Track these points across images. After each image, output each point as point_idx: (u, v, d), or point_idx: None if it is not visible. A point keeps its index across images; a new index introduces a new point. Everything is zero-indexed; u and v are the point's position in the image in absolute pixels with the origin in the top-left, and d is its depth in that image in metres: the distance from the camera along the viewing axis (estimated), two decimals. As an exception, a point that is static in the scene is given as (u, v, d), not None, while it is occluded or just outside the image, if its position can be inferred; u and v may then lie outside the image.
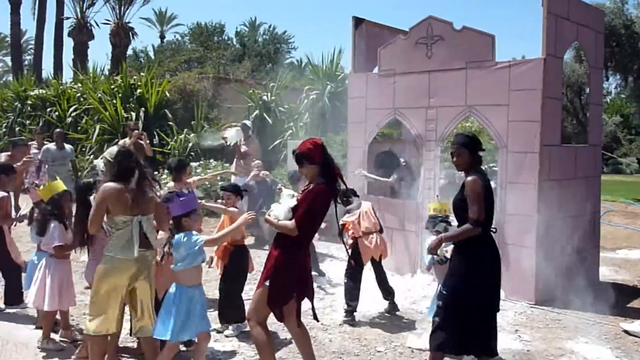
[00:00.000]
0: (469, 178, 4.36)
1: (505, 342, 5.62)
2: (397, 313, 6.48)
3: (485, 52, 7.20)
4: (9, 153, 8.95)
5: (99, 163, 5.46)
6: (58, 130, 11.40)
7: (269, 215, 4.47)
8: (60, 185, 5.37)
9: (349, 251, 6.06)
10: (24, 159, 8.28)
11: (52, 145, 10.64)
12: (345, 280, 6.34)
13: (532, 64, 6.86)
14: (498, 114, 7.06)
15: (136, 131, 10.91)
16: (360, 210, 6.38)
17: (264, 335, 4.40)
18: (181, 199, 4.43)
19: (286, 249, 4.36)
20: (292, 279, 4.35)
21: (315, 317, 4.65)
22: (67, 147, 10.95)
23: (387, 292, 6.52)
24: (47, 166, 10.58)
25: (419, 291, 7.26)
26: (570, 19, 7.25)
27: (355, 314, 6.22)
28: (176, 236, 4.35)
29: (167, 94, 16.35)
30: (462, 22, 7.51)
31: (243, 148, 10.62)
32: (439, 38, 7.60)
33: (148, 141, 11.23)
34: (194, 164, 13.44)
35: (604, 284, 7.91)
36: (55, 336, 5.37)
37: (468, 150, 4.46)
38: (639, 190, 21.07)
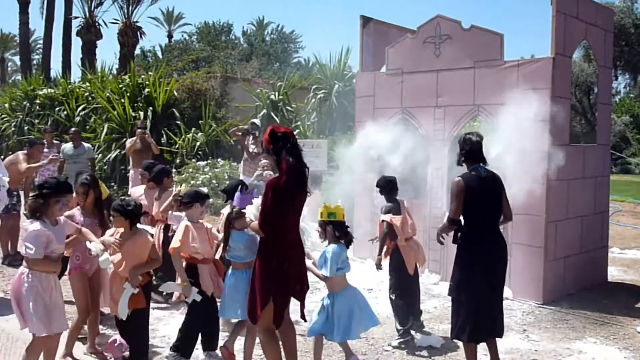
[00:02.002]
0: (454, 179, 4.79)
1: (513, 341, 5.63)
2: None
3: (493, 51, 7.19)
4: (25, 152, 9.05)
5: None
6: (74, 129, 11.50)
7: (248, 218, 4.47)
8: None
9: (387, 260, 5.63)
10: (50, 157, 9.03)
11: (68, 144, 10.73)
12: (394, 299, 5.57)
13: (541, 63, 6.83)
14: (506, 113, 7.04)
15: (139, 130, 11.07)
16: (404, 209, 5.69)
17: (274, 340, 4.39)
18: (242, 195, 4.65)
19: (261, 251, 4.31)
20: (267, 281, 4.23)
21: (303, 317, 4.53)
22: (85, 145, 11.05)
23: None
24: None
25: (427, 290, 7.25)
26: (580, 18, 7.22)
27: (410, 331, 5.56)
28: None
29: (175, 93, 16.37)
30: (471, 21, 7.52)
31: (251, 148, 10.63)
32: (447, 37, 7.59)
33: (152, 139, 11.33)
34: (201, 163, 13.48)
35: (612, 284, 7.88)
36: None
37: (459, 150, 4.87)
38: (647, 190, 20.92)
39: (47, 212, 4.37)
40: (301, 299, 4.45)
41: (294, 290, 4.37)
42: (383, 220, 5.57)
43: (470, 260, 4.69)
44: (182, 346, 4.94)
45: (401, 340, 5.47)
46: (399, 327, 5.51)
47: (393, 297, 5.59)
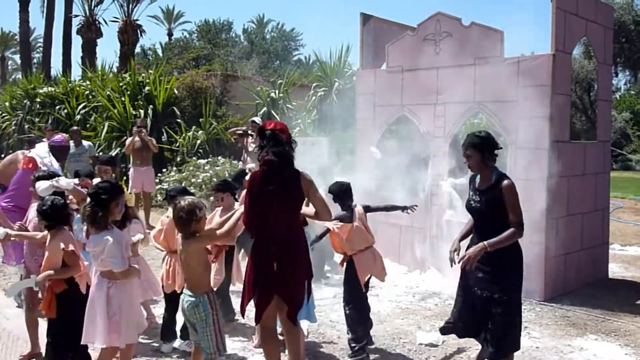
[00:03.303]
0: (506, 182, 4.29)
1: (514, 338, 5.63)
2: (406, 310, 6.49)
3: (493, 48, 7.18)
4: (25, 151, 9.04)
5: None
6: (75, 127, 11.53)
7: None
8: None
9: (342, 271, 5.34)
10: None
11: (69, 143, 10.75)
12: (347, 312, 5.16)
13: (541, 59, 6.83)
14: (507, 110, 7.04)
15: (135, 128, 11.13)
16: (356, 217, 5.21)
17: (267, 340, 4.41)
18: None
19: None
20: (247, 280, 4.33)
21: (290, 318, 4.32)
22: (85, 143, 11.08)
23: None
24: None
25: (428, 288, 7.26)
26: (579, 15, 7.21)
27: (366, 348, 5.11)
28: None
29: (175, 91, 16.38)
30: (471, 18, 7.51)
31: (252, 147, 10.64)
32: (447, 34, 7.58)
33: (149, 137, 11.37)
34: (202, 161, 13.48)
35: (613, 281, 7.88)
36: None
37: (478, 151, 4.35)
38: (648, 187, 20.93)
39: (109, 219, 4.12)
40: (287, 300, 4.27)
41: (266, 290, 4.24)
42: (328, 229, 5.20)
43: (521, 265, 4.52)
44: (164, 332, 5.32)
45: (355, 357, 5.00)
46: (354, 344, 5.03)
47: (347, 311, 5.16)
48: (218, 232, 4.26)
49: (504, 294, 4.29)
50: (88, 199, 4.20)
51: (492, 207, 4.32)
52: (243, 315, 4.54)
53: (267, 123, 4.44)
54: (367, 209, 5.39)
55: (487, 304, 4.32)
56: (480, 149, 4.35)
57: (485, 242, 4.27)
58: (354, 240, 5.13)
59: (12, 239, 4.92)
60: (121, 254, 4.06)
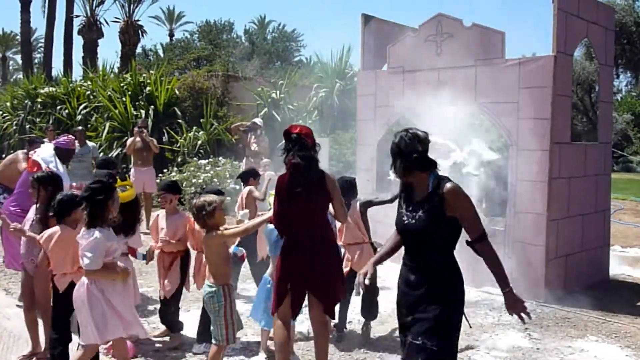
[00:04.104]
0: (449, 186, 3.26)
1: (515, 340, 5.63)
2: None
3: (495, 49, 7.18)
4: (25, 151, 9.04)
5: None
6: (80, 128, 11.52)
7: None
8: None
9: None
10: None
11: None
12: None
13: (543, 61, 6.83)
14: (508, 111, 7.04)
15: (136, 129, 11.13)
16: (353, 213, 5.53)
17: (280, 333, 4.44)
18: None
19: None
20: (277, 283, 4.49)
21: (293, 314, 4.57)
22: (90, 144, 11.08)
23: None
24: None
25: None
26: (581, 16, 7.21)
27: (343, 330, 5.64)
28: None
29: (177, 92, 16.38)
30: (472, 19, 7.51)
31: (253, 146, 10.64)
32: (449, 35, 7.59)
33: (150, 137, 11.37)
34: (203, 162, 13.49)
35: (614, 282, 7.88)
36: None
37: (394, 156, 3.41)
38: (649, 189, 20.91)
39: (105, 217, 4.10)
40: (323, 296, 4.42)
41: (298, 288, 4.43)
42: None
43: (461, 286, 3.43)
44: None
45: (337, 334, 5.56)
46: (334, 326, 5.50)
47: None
48: (229, 231, 4.43)
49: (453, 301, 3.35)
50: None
51: (433, 222, 3.28)
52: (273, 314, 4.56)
53: (292, 127, 4.52)
54: (370, 203, 5.65)
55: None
56: (394, 155, 3.41)
57: (507, 286, 3.29)
58: (345, 234, 5.56)
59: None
60: (99, 253, 3.99)
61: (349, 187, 5.51)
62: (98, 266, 4.03)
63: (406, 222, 3.38)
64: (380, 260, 3.62)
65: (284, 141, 4.47)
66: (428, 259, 3.33)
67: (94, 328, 4.04)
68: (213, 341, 4.44)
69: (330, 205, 4.49)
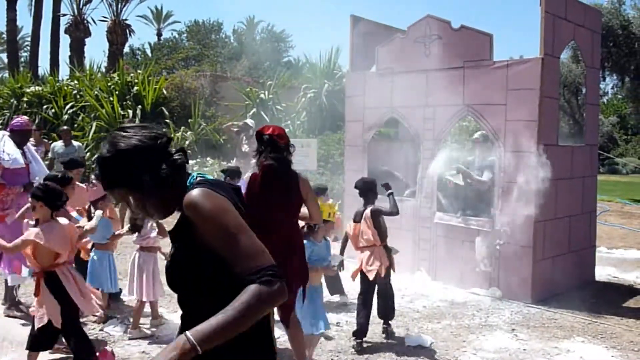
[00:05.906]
0: (191, 199, 2.02)
1: (501, 341, 5.65)
2: (395, 311, 6.48)
3: (483, 52, 7.21)
4: None
5: None
6: (65, 127, 11.43)
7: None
8: None
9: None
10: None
11: (59, 143, 10.67)
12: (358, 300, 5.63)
13: (530, 63, 6.86)
14: (495, 113, 7.06)
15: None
16: (364, 217, 5.56)
17: (291, 331, 4.44)
18: None
19: None
20: None
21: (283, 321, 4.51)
22: (76, 144, 10.99)
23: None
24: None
25: (417, 290, 7.26)
26: (568, 19, 7.26)
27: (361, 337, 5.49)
28: None
29: (164, 92, 16.33)
30: (460, 21, 7.53)
31: (244, 147, 10.61)
32: (437, 37, 7.61)
33: None
34: (191, 162, 13.44)
35: (600, 284, 7.93)
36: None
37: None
38: (635, 190, 21.13)
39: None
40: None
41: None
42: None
43: None
44: None
45: (355, 343, 5.39)
46: (354, 332, 5.46)
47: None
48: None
49: None
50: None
51: (190, 259, 2.07)
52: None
53: (265, 127, 4.41)
54: (379, 212, 5.56)
55: None
56: (102, 176, 2.14)
57: (190, 335, 1.79)
58: (358, 238, 5.57)
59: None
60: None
61: (369, 188, 5.58)
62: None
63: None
64: None
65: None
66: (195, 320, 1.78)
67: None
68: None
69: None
